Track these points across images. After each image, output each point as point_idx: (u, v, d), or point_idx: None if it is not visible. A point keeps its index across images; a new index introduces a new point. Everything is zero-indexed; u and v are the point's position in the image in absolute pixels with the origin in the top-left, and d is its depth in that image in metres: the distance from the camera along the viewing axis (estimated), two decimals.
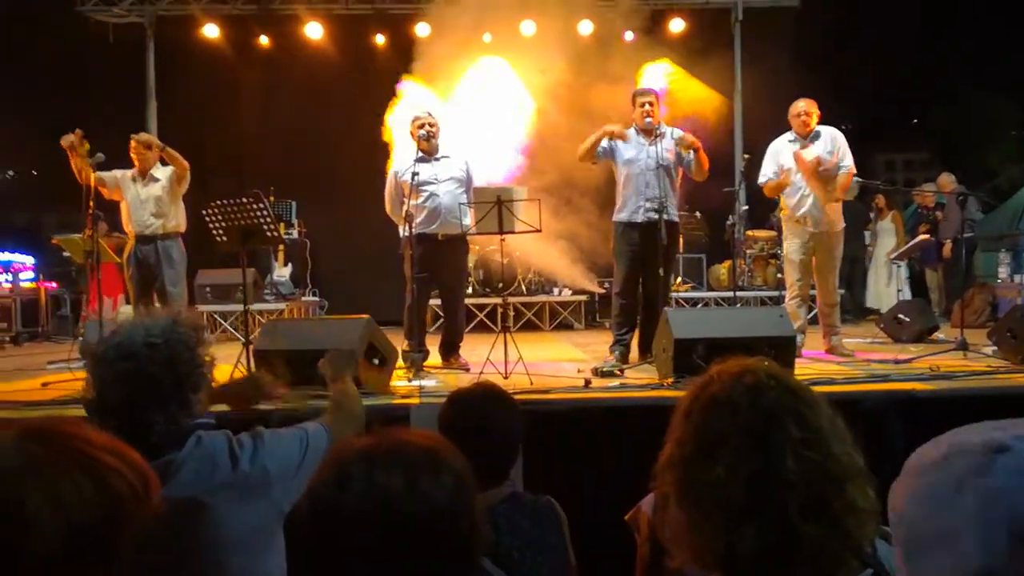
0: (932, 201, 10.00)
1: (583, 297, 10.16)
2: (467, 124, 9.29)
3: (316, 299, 10.64)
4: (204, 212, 5.24)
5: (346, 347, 2.59)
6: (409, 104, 9.36)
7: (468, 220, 5.86)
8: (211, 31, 10.79)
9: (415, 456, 1.11)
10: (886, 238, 10.40)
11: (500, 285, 9.71)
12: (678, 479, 1.16)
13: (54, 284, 10.67)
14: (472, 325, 8.80)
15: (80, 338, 6.69)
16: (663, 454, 1.20)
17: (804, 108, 6.11)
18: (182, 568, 1.74)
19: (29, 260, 11.47)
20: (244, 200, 5.11)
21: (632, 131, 5.89)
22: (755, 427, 1.13)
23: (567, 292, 10.19)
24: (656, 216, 5.62)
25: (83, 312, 9.75)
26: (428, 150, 5.88)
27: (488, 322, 9.76)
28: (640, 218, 5.74)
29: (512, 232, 5.42)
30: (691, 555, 1.16)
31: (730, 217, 6.40)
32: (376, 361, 4.63)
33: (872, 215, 10.59)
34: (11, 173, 22.98)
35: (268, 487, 1.86)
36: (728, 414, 1.15)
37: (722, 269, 10.41)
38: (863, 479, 1.13)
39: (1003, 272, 9.33)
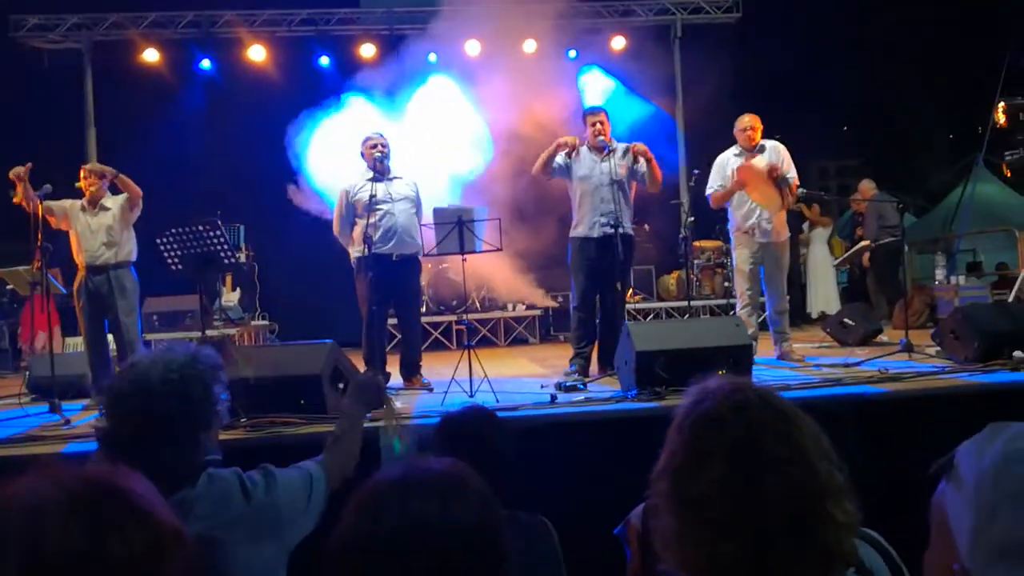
0: (865, 208, 10.35)
1: (537, 312, 10.24)
2: (417, 143, 9.34)
3: (266, 323, 10.51)
4: (158, 240, 5.16)
5: (376, 379, 2.52)
6: (355, 120, 9.39)
7: (420, 240, 5.90)
8: (151, 55, 10.64)
9: (443, 482, 1.14)
10: (818, 245, 10.74)
11: (455, 303, 9.75)
12: (668, 490, 1.21)
13: None
14: (427, 343, 8.80)
15: (27, 372, 6.50)
16: (658, 464, 1.25)
17: (749, 123, 6.33)
18: None
19: None
20: (200, 227, 5.06)
21: (584, 148, 6.00)
22: (739, 443, 1.18)
23: (521, 307, 10.26)
24: (612, 231, 5.73)
25: (21, 345, 9.47)
26: (380, 170, 5.90)
27: (443, 340, 9.77)
28: (596, 233, 5.85)
29: (473, 252, 5.46)
30: (679, 562, 1.21)
31: (681, 230, 6.54)
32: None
33: (804, 224, 10.91)
34: None
35: (278, 525, 1.86)
36: (715, 429, 1.20)
37: (671, 280, 10.61)
38: (843, 495, 1.19)
39: (939, 274, 9.69)
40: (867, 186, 10.01)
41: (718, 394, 1.26)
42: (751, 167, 6.15)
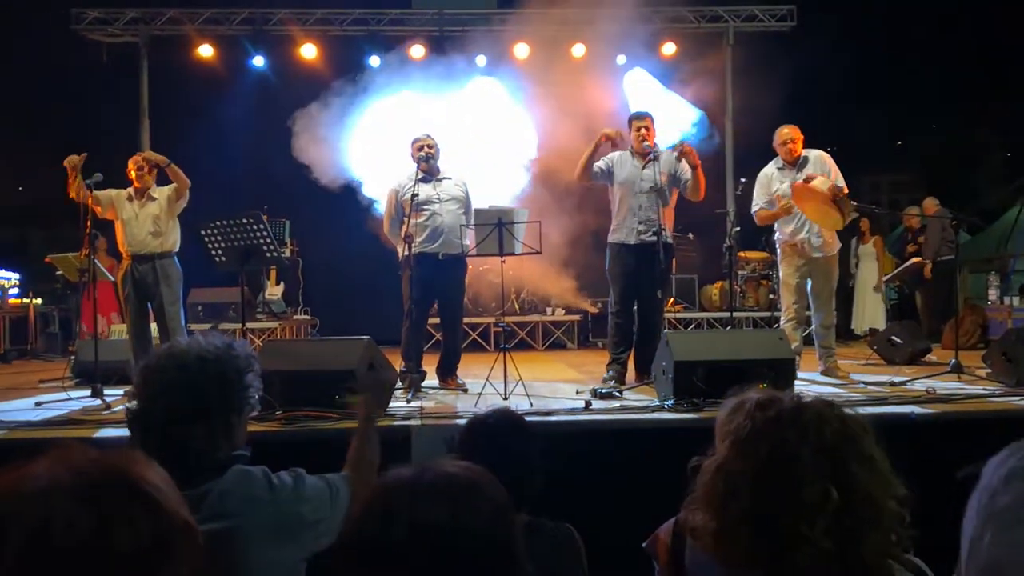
0: (918, 223, 10.10)
1: (576, 317, 10.18)
2: (465, 144, 9.36)
3: (308, 318, 10.61)
4: (203, 232, 5.22)
5: (382, 377, 2.52)
6: (403, 120, 9.45)
7: (468, 240, 5.88)
8: (205, 51, 10.83)
9: (456, 486, 1.11)
10: (869, 262, 10.49)
11: (494, 305, 9.74)
12: (720, 489, 1.20)
13: (39, 301, 10.58)
14: (464, 344, 8.79)
15: (73, 356, 6.63)
16: (711, 461, 1.24)
17: (789, 135, 6.13)
18: None
19: (14, 277, 11.39)
20: (244, 220, 5.10)
21: (627, 153, 5.94)
22: (787, 448, 1.17)
23: (560, 312, 10.22)
24: (651, 238, 5.67)
25: (77, 329, 9.69)
26: (428, 171, 5.91)
27: (481, 341, 9.76)
28: (633, 240, 5.78)
29: (512, 253, 5.44)
30: (716, 551, 1.21)
31: (727, 239, 6.42)
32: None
33: (854, 240, 10.67)
34: None
35: (300, 529, 1.84)
36: (779, 445, 1.17)
37: (714, 290, 10.47)
38: (894, 520, 1.17)
39: (992, 294, 9.42)
40: (931, 203, 9.71)
41: (789, 406, 1.23)
42: (810, 189, 5.83)
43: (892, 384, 5.33)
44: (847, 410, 1.26)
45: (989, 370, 5.52)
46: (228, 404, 1.82)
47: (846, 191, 6.10)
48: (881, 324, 9.45)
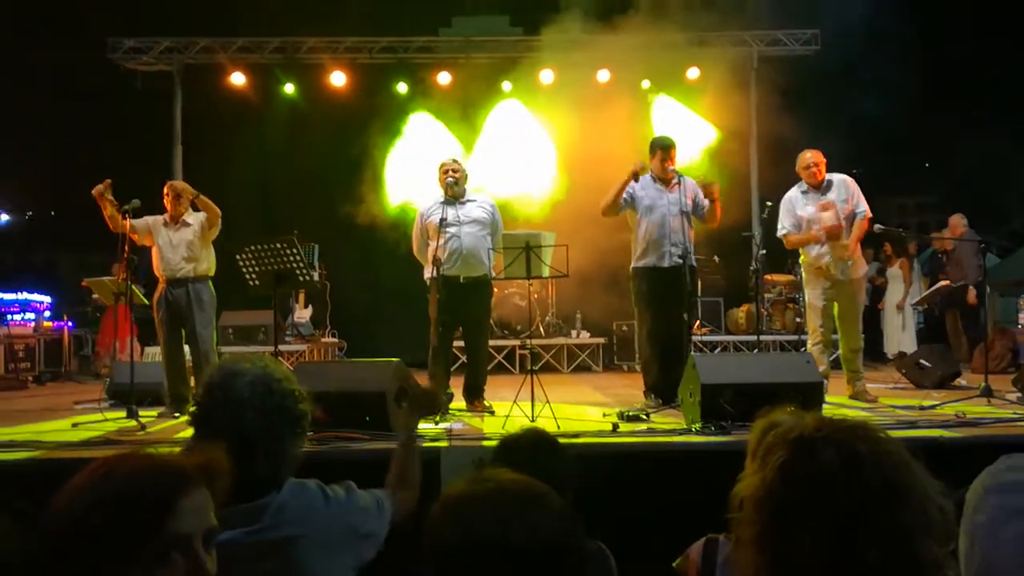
0: (951, 246, 10.00)
1: (601, 339, 10.20)
2: (489, 168, 9.48)
3: (336, 340, 10.71)
4: (238, 256, 5.34)
5: (419, 392, 2.57)
6: (430, 145, 9.58)
7: (492, 263, 5.95)
8: (238, 79, 11.06)
9: (525, 496, 1.16)
10: (895, 285, 10.41)
11: (519, 328, 9.79)
12: (761, 531, 1.17)
13: (71, 324, 10.78)
14: (490, 367, 8.84)
15: (108, 379, 6.76)
16: (750, 492, 1.20)
17: (812, 159, 6.15)
18: None
19: (46, 300, 11.61)
20: (278, 245, 5.21)
21: (648, 178, 6.00)
22: (852, 509, 1.12)
23: (585, 334, 10.24)
24: (681, 261, 5.72)
25: (98, 351, 9.88)
26: (454, 195, 5.99)
27: (506, 364, 9.80)
28: (666, 263, 5.84)
29: (540, 277, 5.50)
30: None
31: (753, 262, 6.44)
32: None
33: (872, 264, 10.58)
34: (29, 214, 23.30)
35: (354, 538, 1.92)
36: (826, 487, 1.14)
37: (740, 313, 10.44)
38: (938, 571, 1.12)
39: (1023, 318, 9.31)
40: (957, 221, 9.47)
41: (833, 435, 1.18)
42: (841, 229, 6.00)
43: (921, 408, 5.30)
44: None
45: (1020, 394, 5.47)
46: (286, 434, 1.88)
47: (869, 215, 6.11)
48: (910, 348, 9.36)
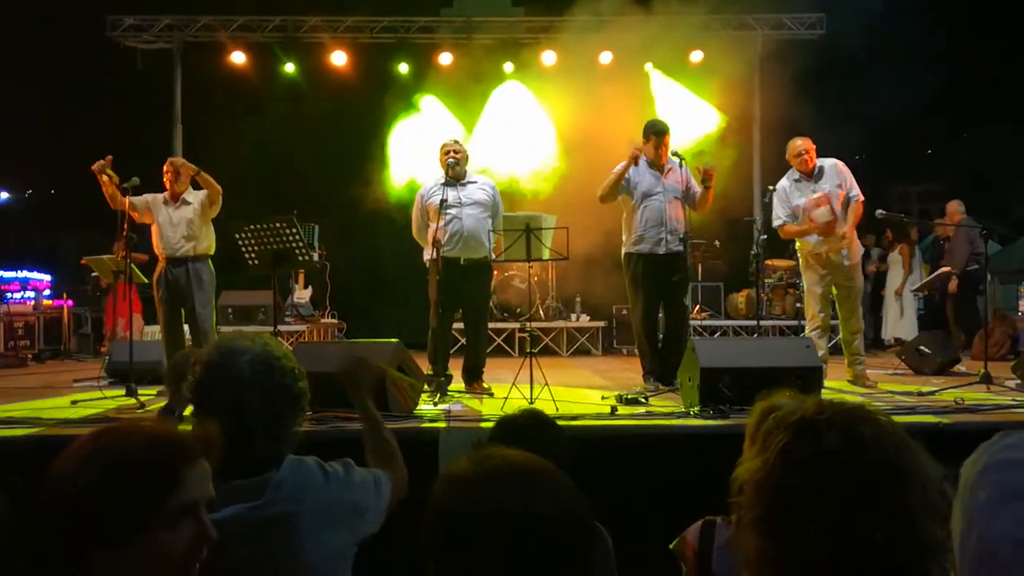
0: (952, 232, 9.96)
1: (601, 323, 10.20)
2: (490, 149, 9.44)
3: (335, 321, 10.72)
4: (237, 236, 5.32)
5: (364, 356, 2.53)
6: (431, 126, 9.53)
7: (492, 246, 5.93)
8: (238, 57, 11.00)
9: (535, 469, 1.16)
10: (895, 270, 10.40)
11: (519, 311, 9.79)
12: (762, 515, 1.15)
13: (71, 302, 10.78)
14: (490, 349, 8.85)
15: (107, 357, 6.76)
16: (750, 476, 1.18)
17: (803, 147, 6.08)
18: None
19: (46, 278, 11.60)
20: (277, 224, 5.20)
21: (644, 163, 5.98)
22: (856, 491, 1.11)
23: (584, 318, 10.24)
24: (678, 247, 5.72)
25: (108, 331, 9.86)
26: (455, 176, 5.96)
27: (506, 347, 9.80)
28: (662, 249, 5.83)
29: (540, 259, 5.48)
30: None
31: (753, 247, 6.42)
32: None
33: (872, 251, 10.56)
34: (29, 192, 23.22)
35: (353, 514, 1.92)
36: (830, 470, 1.12)
37: (739, 298, 10.44)
38: (941, 553, 1.12)
39: (1023, 305, 9.30)
40: (954, 208, 9.40)
41: (838, 418, 1.17)
42: (835, 223, 5.96)
43: (920, 394, 5.30)
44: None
45: (1019, 380, 5.47)
46: (286, 412, 1.88)
47: (862, 199, 6.08)
48: (909, 334, 9.35)
